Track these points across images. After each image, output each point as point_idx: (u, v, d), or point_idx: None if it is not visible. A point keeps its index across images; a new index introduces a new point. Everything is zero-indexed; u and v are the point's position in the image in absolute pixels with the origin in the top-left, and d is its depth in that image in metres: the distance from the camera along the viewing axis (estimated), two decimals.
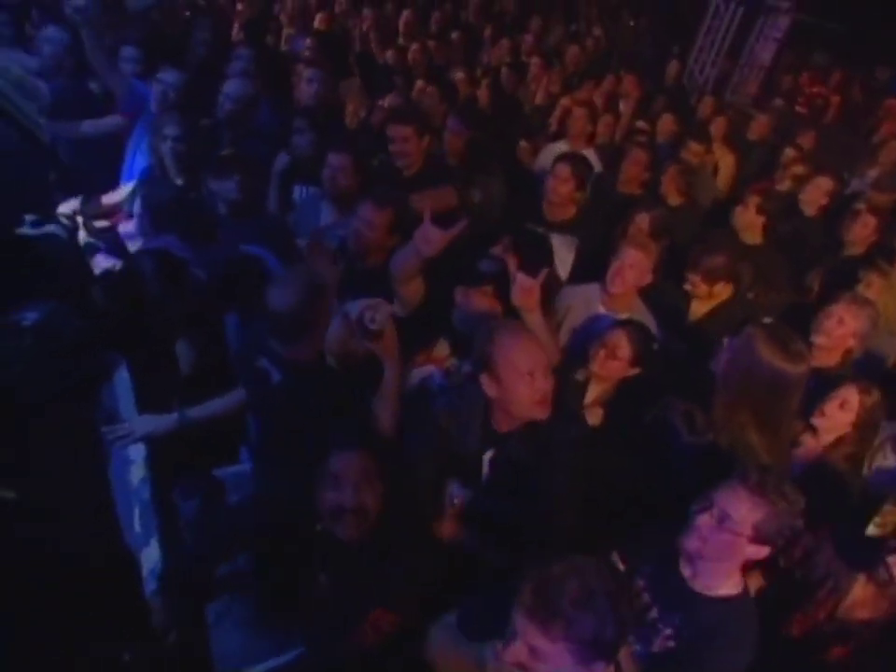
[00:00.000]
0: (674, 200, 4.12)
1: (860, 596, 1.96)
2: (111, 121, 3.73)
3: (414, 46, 5.60)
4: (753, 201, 3.85)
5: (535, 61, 5.76)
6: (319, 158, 3.21)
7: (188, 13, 5.13)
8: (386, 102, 4.35)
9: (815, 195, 4.36)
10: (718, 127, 5.43)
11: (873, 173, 5.59)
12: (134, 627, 1.84)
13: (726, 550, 1.68)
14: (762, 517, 1.64)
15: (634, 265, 2.87)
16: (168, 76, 3.52)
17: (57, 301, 2.33)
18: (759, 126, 6.00)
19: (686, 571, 1.75)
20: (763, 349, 2.10)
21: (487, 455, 2.00)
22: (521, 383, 1.86)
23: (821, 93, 8.80)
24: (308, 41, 5.12)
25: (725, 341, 2.29)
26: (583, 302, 3.02)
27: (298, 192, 3.51)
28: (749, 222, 3.83)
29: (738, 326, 2.42)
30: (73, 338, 2.22)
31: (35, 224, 2.81)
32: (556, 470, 1.93)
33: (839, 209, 4.79)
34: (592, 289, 3.03)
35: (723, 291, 3.15)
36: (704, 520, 1.68)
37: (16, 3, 4.73)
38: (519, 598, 1.30)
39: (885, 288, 3.34)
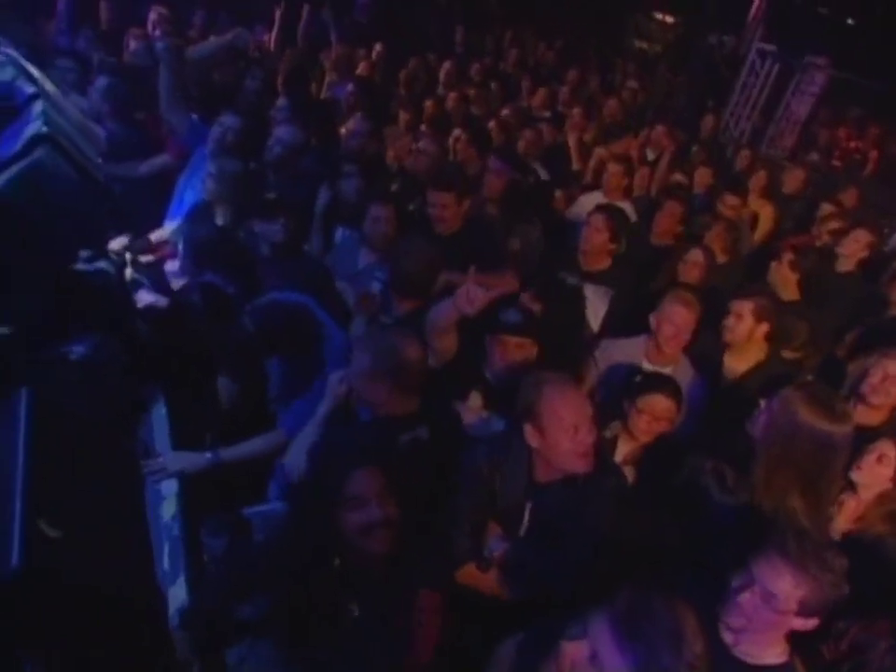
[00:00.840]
0: (721, 257, 4.08)
1: None
2: (161, 161, 3.90)
3: (453, 94, 5.76)
4: (787, 257, 3.86)
5: (575, 111, 5.86)
6: (363, 204, 3.30)
7: (242, 63, 5.37)
8: (422, 145, 4.43)
9: (853, 248, 4.32)
10: (758, 180, 5.47)
11: None
12: (161, 662, 1.84)
13: (771, 625, 1.63)
14: (807, 593, 1.58)
15: (685, 325, 2.87)
16: (229, 119, 3.70)
17: (104, 335, 2.39)
18: (793, 180, 5.99)
19: (728, 638, 1.69)
20: (804, 411, 2.05)
21: (529, 505, 2.00)
22: (565, 436, 1.88)
23: (859, 147, 8.81)
24: (350, 87, 5.33)
25: (763, 402, 2.24)
26: (626, 356, 2.99)
27: (339, 233, 3.60)
28: (783, 278, 3.81)
29: (776, 385, 2.39)
30: (118, 371, 2.27)
31: (88, 260, 2.91)
32: (593, 521, 1.92)
33: (880, 266, 4.77)
34: (636, 343, 3.02)
35: (760, 342, 3.10)
36: (746, 598, 1.62)
37: (81, 49, 5.04)
38: (611, 603, 1.32)
39: None
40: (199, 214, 3.46)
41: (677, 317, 2.84)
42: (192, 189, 3.69)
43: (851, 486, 2.43)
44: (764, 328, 3.06)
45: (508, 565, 2.02)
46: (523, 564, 2.01)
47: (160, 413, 2.61)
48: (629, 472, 2.57)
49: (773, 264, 3.89)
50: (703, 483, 2.16)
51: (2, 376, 1.82)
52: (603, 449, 2.26)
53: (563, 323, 2.82)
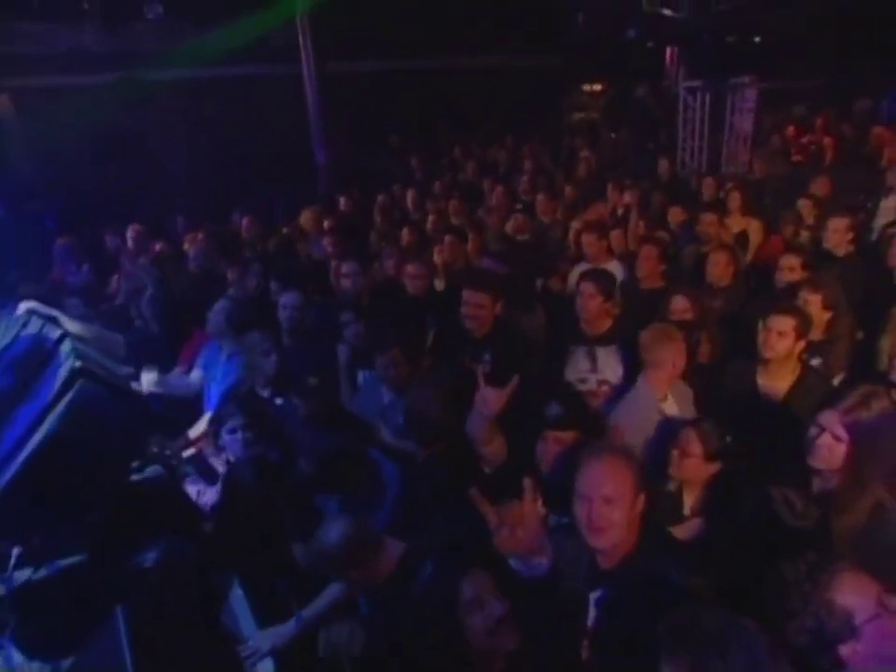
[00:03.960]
0: (725, 281, 4.21)
1: None
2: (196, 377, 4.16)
3: (432, 216, 6.13)
4: (794, 262, 3.99)
5: (539, 197, 6.21)
6: (369, 346, 3.47)
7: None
8: (410, 269, 4.65)
9: (836, 239, 4.41)
10: (733, 200, 5.63)
11: (890, 199, 5.64)
12: None
13: None
14: None
15: (682, 355, 2.97)
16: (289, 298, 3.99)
17: (170, 536, 2.49)
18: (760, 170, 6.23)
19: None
20: (868, 411, 2.10)
21: (594, 595, 1.95)
22: (578, 506, 1.89)
23: (812, 140, 9.10)
24: (326, 239, 5.70)
25: (822, 441, 2.21)
26: (645, 409, 3.00)
27: (361, 377, 3.76)
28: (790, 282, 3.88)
29: (820, 398, 2.44)
30: (191, 568, 2.35)
31: (138, 469, 3.07)
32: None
33: (875, 243, 4.85)
34: (641, 394, 3.02)
35: (795, 357, 3.13)
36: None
37: (85, 286, 5.49)
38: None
39: None
40: (227, 396, 3.65)
41: (670, 353, 2.95)
42: (215, 382, 3.92)
43: None
44: (803, 344, 3.10)
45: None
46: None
47: (237, 596, 2.66)
48: (699, 524, 2.55)
49: (777, 275, 4.00)
50: (772, 513, 2.13)
51: (93, 599, 1.91)
52: (659, 512, 2.23)
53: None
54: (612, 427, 2.85)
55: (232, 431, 3.07)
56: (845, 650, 1.58)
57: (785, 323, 3.03)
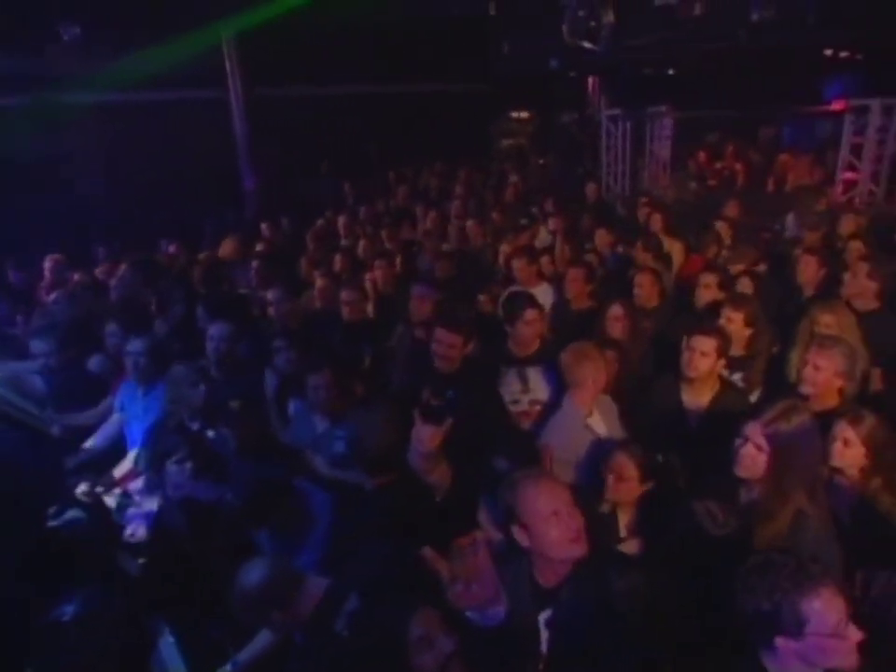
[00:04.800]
0: (652, 302, 4.38)
1: None
2: (106, 405, 3.99)
3: (363, 242, 6.13)
4: (712, 280, 4.23)
5: (469, 223, 6.31)
6: (300, 373, 3.41)
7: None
8: (345, 296, 4.54)
9: (740, 268, 4.65)
10: (655, 222, 5.89)
11: (791, 219, 6.04)
12: None
13: None
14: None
15: (604, 370, 3.06)
16: (137, 344, 3.79)
17: (93, 585, 2.35)
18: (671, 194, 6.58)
19: None
20: (787, 423, 2.18)
21: (543, 616, 1.94)
22: (548, 525, 1.87)
23: (724, 166, 9.68)
24: (254, 264, 5.60)
25: (745, 450, 2.29)
26: (574, 428, 3.07)
27: (292, 406, 3.68)
28: (712, 299, 4.09)
29: (738, 412, 2.54)
30: (116, 617, 2.22)
31: (56, 514, 2.90)
32: (622, 627, 1.85)
33: (783, 259, 5.17)
34: (569, 414, 3.09)
35: (716, 374, 3.27)
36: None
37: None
38: None
39: (837, 323, 3.50)
40: (159, 430, 3.52)
41: (592, 369, 3.04)
42: (137, 420, 3.76)
43: (839, 471, 2.55)
44: (723, 362, 3.23)
45: None
46: None
47: (168, 643, 2.54)
48: (637, 543, 2.60)
49: (697, 292, 4.24)
50: (696, 526, 2.18)
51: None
52: (596, 533, 2.28)
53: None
54: (542, 447, 2.89)
55: (179, 462, 2.97)
56: (780, 641, 1.66)
57: (707, 343, 3.15)
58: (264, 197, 9.61)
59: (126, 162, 9.57)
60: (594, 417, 3.10)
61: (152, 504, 3.22)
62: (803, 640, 1.64)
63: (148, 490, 3.31)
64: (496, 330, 4.11)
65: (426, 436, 2.36)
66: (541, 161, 10.76)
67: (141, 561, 2.74)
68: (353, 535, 2.65)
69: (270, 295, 4.49)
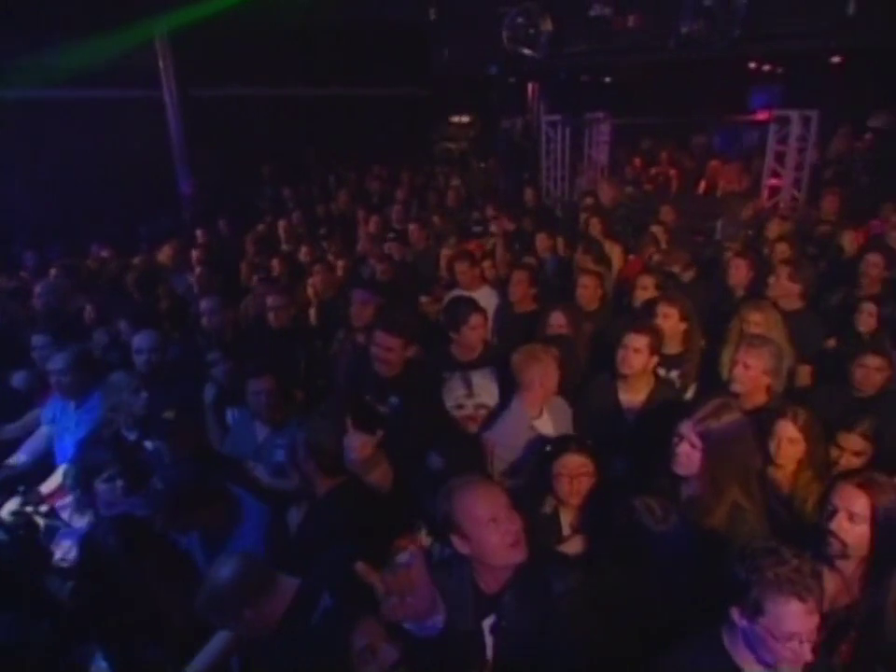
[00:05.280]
0: (593, 305, 4.46)
1: (832, 587, 1.99)
2: (31, 417, 3.79)
3: (304, 248, 6.05)
4: (649, 281, 4.38)
5: (412, 227, 6.30)
6: (238, 383, 3.34)
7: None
8: (271, 301, 4.41)
9: (678, 269, 4.85)
10: (594, 226, 6.02)
11: (721, 224, 6.30)
12: None
13: None
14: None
15: (554, 374, 3.09)
16: (58, 361, 3.63)
17: (17, 612, 2.23)
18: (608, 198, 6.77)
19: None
20: (718, 421, 2.25)
21: (487, 622, 1.94)
22: (487, 531, 1.85)
23: (659, 171, 10.00)
24: (197, 270, 5.46)
25: (681, 449, 2.34)
26: (517, 428, 3.10)
27: (230, 416, 3.58)
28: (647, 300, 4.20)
29: (672, 409, 2.62)
30: (41, 644, 2.11)
31: None
32: (567, 630, 1.86)
33: (714, 262, 5.38)
34: (514, 414, 3.12)
35: (650, 371, 3.37)
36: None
37: None
38: None
39: (765, 321, 3.67)
40: (90, 443, 3.37)
41: (543, 371, 3.07)
42: (68, 433, 3.60)
43: (776, 466, 2.68)
44: (656, 359, 3.34)
45: None
46: None
47: (100, 669, 2.43)
48: (580, 541, 2.62)
49: (636, 293, 4.38)
50: (637, 521, 2.22)
51: None
52: (537, 534, 2.27)
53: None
54: (484, 442, 2.93)
55: (109, 480, 2.84)
56: (735, 612, 1.74)
57: (640, 340, 3.25)
58: (201, 201, 9.35)
59: (52, 163, 9.13)
60: (542, 419, 3.13)
61: (83, 523, 3.08)
62: (753, 624, 1.71)
63: (79, 508, 3.16)
64: (438, 335, 4.13)
65: (357, 444, 2.34)
66: (482, 165, 10.86)
67: (71, 584, 2.61)
68: (321, 538, 2.60)
69: (202, 305, 4.37)
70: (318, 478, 2.73)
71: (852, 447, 2.76)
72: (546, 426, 3.14)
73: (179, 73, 9.30)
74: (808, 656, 1.68)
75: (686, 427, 2.32)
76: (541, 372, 3.08)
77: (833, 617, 1.98)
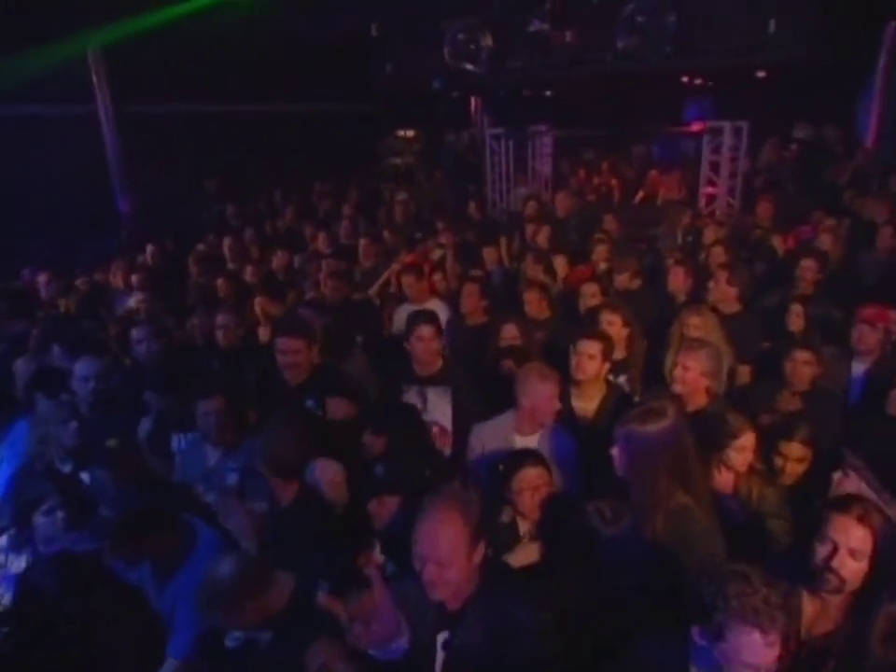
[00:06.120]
0: (543, 314, 4.55)
1: (811, 611, 1.98)
2: None
3: (250, 268, 5.96)
4: (593, 290, 4.52)
5: (362, 241, 6.27)
6: (185, 406, 3.25)
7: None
8: (219, 320, 4.37)
9: (623, 279, 5.00)
10: (541, 236, 6.15)
11: (662, 232, 6.51)
12: None
13: None
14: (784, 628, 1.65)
15: (551, 396, 3.06)
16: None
17: None
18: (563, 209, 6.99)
19: None
20: (641, 429, 2.25)
21: (441, 637, 1.94)
22: (417, 562, 1.87)
23: (602, 182, 10.25)
24: (139, 295, 5.31)
25: (614, 451, 2.35)
26: (498, 436, 3.14)
27: (175, 442, 3.47)
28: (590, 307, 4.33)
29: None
30: None
31: None
32: (525, 649, 1.86)
33: (656, 269, 5.54)
34: (503, 422, 3.18)
35: (602, 378, 3.44)
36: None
37: None
38: None
39: (703, 324, 3.83)
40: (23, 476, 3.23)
41: (535, 392, 3.04)
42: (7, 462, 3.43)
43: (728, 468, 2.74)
44: (608, 365, 3.42)
45: None
46: None
47: None
48: (536, 548, 2.66)
49: (581, 300, 4.52)
50: (589, 525, 2.25)
51: None
52: (495, 541, 2.27)
53: (411, 445, 2.92)
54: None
55: (49, 513, 2.71)
56: (696, 631, 1.71)
57: (593, 346, 3.34)
58: (142, 219, 9.10)
59: None
60: (530, 438, 3.09)
61: (20, 563, 2.93)
62: (712, 647, 1.68)
63: (15, 547, 3.01)
64: (396, 349, 4.14)
65: (330, 475, 2.46)
66: (429, 179, 10.91)
67: (5, 630, 2.47)
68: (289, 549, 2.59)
69: (135, 334, 4.21)
70: (279, 486, 2.72)
71: (794, 454, 2.85)
72: (528, 445, 3.07)
73: (115, 88, 9.06)
74: None
75: (617, 431, 2.35)
76: (539, 393, 3.04)
77: (810, 644, 1.96)
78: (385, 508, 2.53)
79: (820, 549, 1.91)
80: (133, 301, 5.39)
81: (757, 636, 1.60)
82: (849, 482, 2.32)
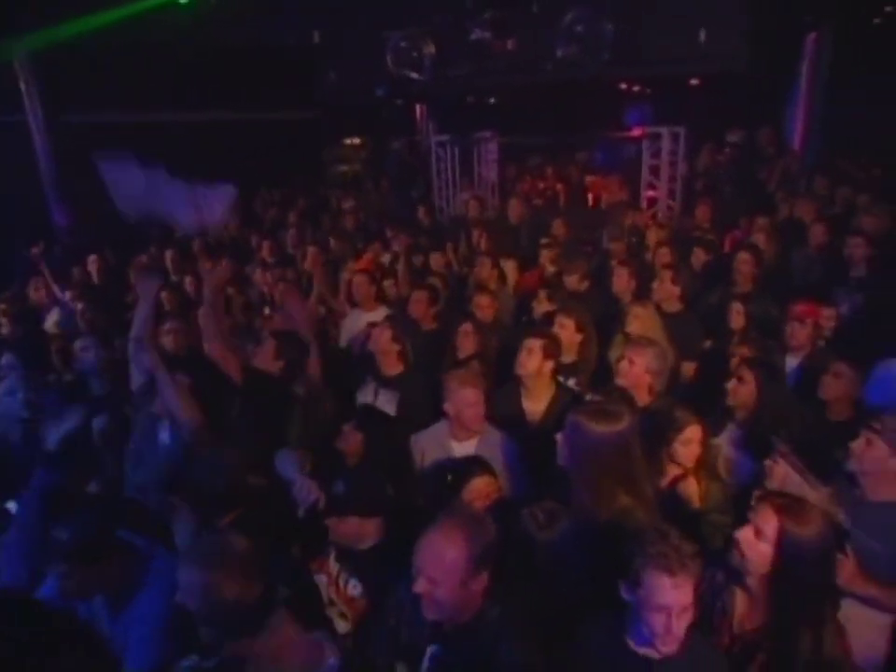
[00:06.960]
0: (489, 320, 4.60)
1: (742, 606, 2.07)
2: None
3: (188, 278, 5.82)
4: (544, 294, 4.61)
5: (310, 249, 6.20)
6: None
7: None
8: (168, 325, 4.33)
9: (574, 280, 5.10)
10: (485, 242, 6.18)
11: (605, 234, 6.67)
12: None
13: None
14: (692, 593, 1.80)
15: (474, 402, 3.09)
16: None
17: None
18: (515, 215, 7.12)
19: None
20: (590, 426, 2.30)
21: (430, 649, 1.96)
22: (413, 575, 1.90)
23: (548, 186, 10.43)
24: (79, 307, 5.14)
25: (559, 436, 2.45)
26: (435, 443, 3.16)
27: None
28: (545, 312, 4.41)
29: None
30: None
31: None
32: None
33: (602, 270, 5.65)
34: (440, 428, 3.20)
35: (549, 378, 3.49)
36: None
37: None
38: None
39: (646, 318, 3.96)
40: None
41: (456, 397, 3.08)
42: None
43: (676, 464, 2.80)
44: (551, 364, 3.45)
45: None
46: None
47: None
48: None
49: (534, 304, 4.63)
50: (524, 530, 2.22)
51: None
52: None
53: (383, 455, 2.93)
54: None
55: None
56: (624, 587, 1.88)
57: (533, 343, 3.40)
58: (79, 233, 8.77)
59: None
60: (465, 445, 3.10)
61: None
62: (633, 596, 1.84)
63: None
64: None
65: (314, 493, 2.47)
66: (376, 187, 10.89)
67: None
68: None
69: (78, 344, 4.19)
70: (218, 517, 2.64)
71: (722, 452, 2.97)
72: (467, 451, 3.09)
73: (46, 97, 8.73)
74: (679, 632, 1.79)
75: (566, 418, 2.42)
76: (454, 396, 3.08)
77: (742, 639, 2.04)
78: (341, 526, 2.49)
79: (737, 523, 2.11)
80: (55, 315, 5.18)
81: (667, 578, 1.76)
82: (779, 467, 2.42)
